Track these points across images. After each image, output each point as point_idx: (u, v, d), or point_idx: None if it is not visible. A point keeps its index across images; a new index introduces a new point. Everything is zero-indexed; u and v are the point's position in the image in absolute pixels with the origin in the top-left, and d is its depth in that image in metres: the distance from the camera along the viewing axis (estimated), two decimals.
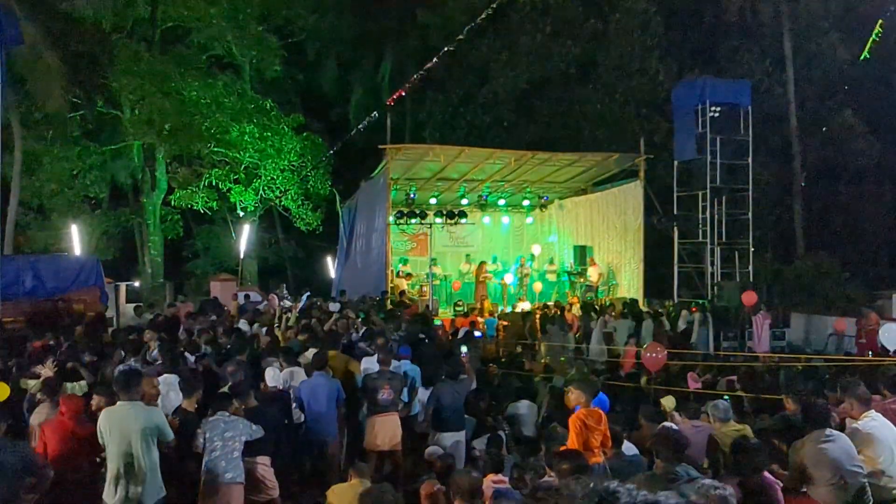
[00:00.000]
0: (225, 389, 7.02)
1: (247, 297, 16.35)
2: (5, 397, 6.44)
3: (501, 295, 20.72)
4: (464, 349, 11.04)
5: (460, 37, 16.42)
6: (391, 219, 18.45)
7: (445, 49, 17.13)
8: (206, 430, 6.07)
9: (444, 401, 7.90)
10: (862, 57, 16.47)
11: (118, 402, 5.78)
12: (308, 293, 17.87)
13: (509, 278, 20.68)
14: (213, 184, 23.71)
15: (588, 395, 6.13)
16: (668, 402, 8.08)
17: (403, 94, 18.81)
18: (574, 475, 4.33)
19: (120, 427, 5.60)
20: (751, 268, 19.14)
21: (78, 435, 6.08)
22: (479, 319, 17.04)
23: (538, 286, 20.89)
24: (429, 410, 8.08)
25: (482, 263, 20.37)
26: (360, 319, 12.42)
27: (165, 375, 7.49)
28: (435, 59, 17.30)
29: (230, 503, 6.00)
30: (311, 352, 8.80)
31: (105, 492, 5.64)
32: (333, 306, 13.86)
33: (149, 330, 10.28)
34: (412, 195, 20.27)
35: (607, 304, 18.77)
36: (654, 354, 11.14)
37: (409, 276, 20.27)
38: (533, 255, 22.47)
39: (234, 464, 6.06)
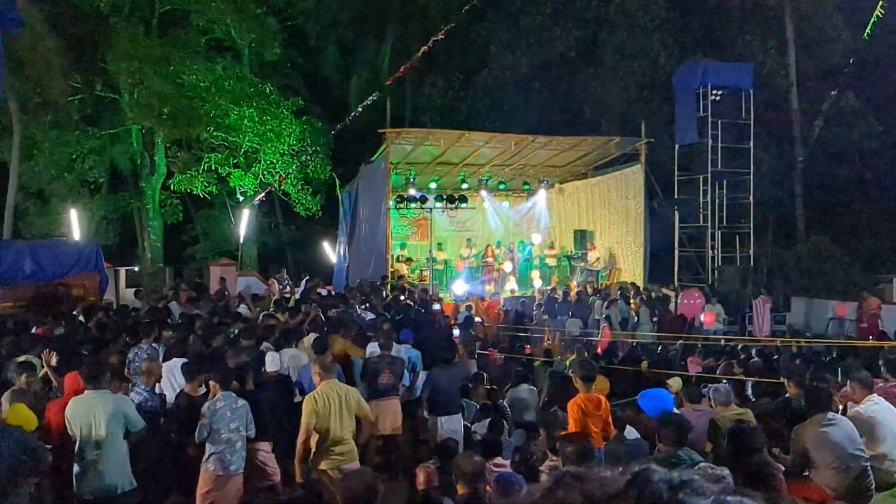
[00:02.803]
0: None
1: (222, 280, 16.29)
2: (34, 427, 6.36)
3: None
4: (455, 332, 11.07)
5: (462, 11, 16.34)
6: (391, 203, 18.40)
7: (445, 28, 17.06)
8: (211, 421, 5.91)
9: (439, 385, 7.92)
10: (864, 35, 16.36)
11: (84, 391, 5.75)
12: (307, 278, 17.88)
13: (508, 267, 20.64)
14: (213, 168, 23.62)
15: (584, 380, 6.08)
16: (675, 383, 8.11)
17: (403, 74, 18.74)
18: (579, 459, 4.33)
19: (85, 416, 5.57)
20: (751, 252, 19.16)
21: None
22: (483, 304, 17.06)
23: (536, 273, 20.84)
24: (424, 395, 8.10)
25: (488, 247, 20.35)
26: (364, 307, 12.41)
27: (172, 360, 7.49)
28: (433, 39, 17.22)
29: (231, 494, 5.98)
30: (311, 336, 8.81)
31: (73, 480, 5.63)
32: (324, 291, 13.90)
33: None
34: (412, 180, 20.20)
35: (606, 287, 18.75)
36: (690, 301, 11.11)
37: (409, 260, 20.24)
38: (524, 242, 22.37)
39: (237, 455, 6.04)
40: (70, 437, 5.77)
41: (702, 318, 14.38)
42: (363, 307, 12.29)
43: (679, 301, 11.65)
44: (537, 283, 20.32)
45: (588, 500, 0.77)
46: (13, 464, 4.64)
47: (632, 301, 16.44)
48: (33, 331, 9.90)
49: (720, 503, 0.74)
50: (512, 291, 19.48)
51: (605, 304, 16.03)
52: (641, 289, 17.95)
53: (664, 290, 17.56)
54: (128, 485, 5.69)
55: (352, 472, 4.52)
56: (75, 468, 5.58)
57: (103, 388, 5.77)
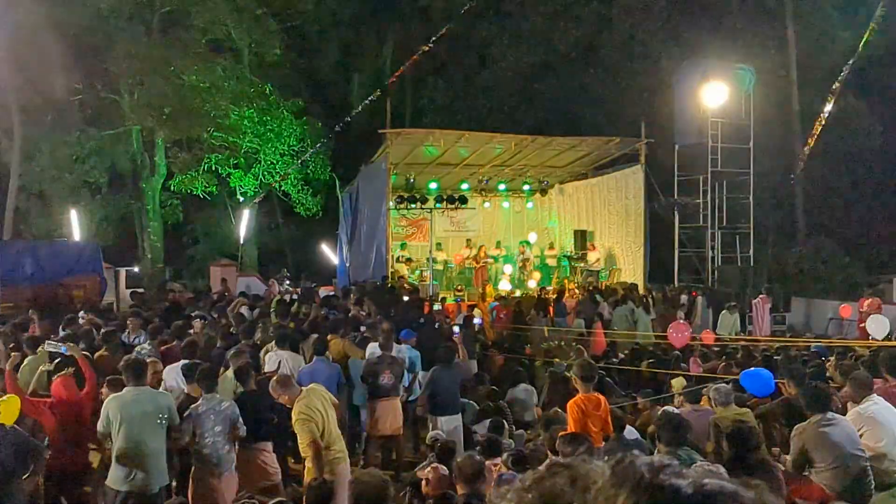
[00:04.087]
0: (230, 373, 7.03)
1: (224, 281, 16.35)
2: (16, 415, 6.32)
3: (498, 281, 20.68)
4: (455, 329, 11.07)
5: (462, 12, 16.39)
6: (391, 204, 18.40)
7: (447, 27, 17.09)
8: (194, 425, 5.89)
9: (439, 385, 7.93)
10: (863, 42, 16.42)
11: (125, 388, 5.80)
12: (304, 279, 17.90)
13: (509, 269, 20.62)
14: (213, 168, 23.64)
15: (584, 380, 6.05)
16: (678, 383, 8.11)
17: (404, 74, 18.76)
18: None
19: (129, 412, 5.63)
20: (751, 252, 19.14)
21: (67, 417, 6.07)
22: (481, 306, 17.03)
23: (537, 275, 20.81)
24: (424, 395, 8.10)
25: (481, 248, 20.31)
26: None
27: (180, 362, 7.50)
28: (435, 39, 17.25)
29: (222, 495, 5.96)
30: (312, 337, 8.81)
31: (110, 477, 5.67)
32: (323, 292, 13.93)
33: (132, 319, 10.21)
34: (412, 180, 20.20)
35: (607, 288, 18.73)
36: (677, 333, 11.19)
37: (409, 261, 20.24)
38: (529, 242, 22.38)
39: (225, 458, 5.99)
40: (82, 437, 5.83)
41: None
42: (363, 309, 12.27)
43: (668, 332, 11.75)
44: (531, 283, 20.28)
45: (576, 485, 0.82)
46: (8, 463, 4.65)
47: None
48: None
49: (698, 484, 0.79)
50: (511, 292, 19.49)
51: (602, 302, 16.06)
52: (643, 290, 17.97)
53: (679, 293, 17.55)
54: (165, 479, 5.83)
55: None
56: (115, 465, 5.64)
57: (144, 385, 5.88)
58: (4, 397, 6.13)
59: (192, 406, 6.04)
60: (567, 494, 0.82)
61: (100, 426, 5.72)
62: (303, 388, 6.19)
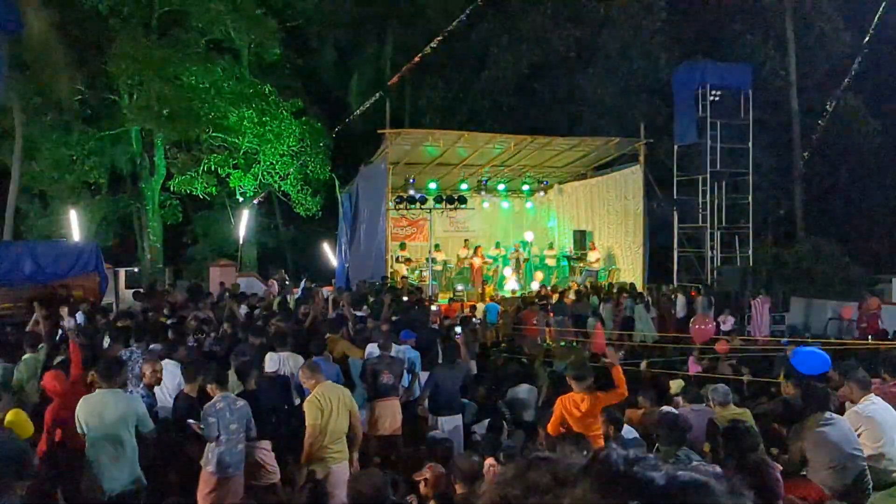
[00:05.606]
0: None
1: (222, 283, 16.30)
2: (28, 434, 6.26)
3: (500, 280, 20.68)
4: (458, 329, 11.09)
5: (461, 17, 16.39)
6: (391, 204, 18.41)
7: (447, 30, 17.09)
8: (216, 421, 5.86)
9: (441, 385, 7.92)
10: (868, 35, 16.41)
11: (96, 390, 5.76)
12: (305, 278, 17.90)
13: (508, 271, 20.62)
14: (212, 169, 23.62)
15: (575, 380, 5.98)
16: (676, 384, 8.11)
17: (403, 76, 18.74)
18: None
19: (98, 415, 5.59)
20: (750, 252, 19.15)
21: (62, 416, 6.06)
22: (479, 305, 17.03)
23: (539, 275, 20.78)
24: (425, 394, 8.10)
25: (477, 248, 20.31)
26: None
27: (166, 360, 7.49)
28: (435, 42, 17.25)
29: (231, 494, 5.97)
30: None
31: (83, 480, 5.64)
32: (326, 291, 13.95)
33: (123, 320, 10.21)
34: (411, 180, 20.20)
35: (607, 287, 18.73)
36: (701, 326, 11.24)
37: (408, 261, 20.23)
38: (526, 242, 22.37)
39: (237, 457, 5.99)
40: (69, 439, 5.79)
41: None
42: (363, 308, 12.27)
43: (692, 325, 11.80)
44: (535, 284, 20.27)
45: (555, 478, 0.84)
46: (2, 470, 4.62)
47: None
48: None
49: (671, 476, 0.81)
50: (513, 292, 19.50)
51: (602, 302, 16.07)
52: (644, 289, 17.97)
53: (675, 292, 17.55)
54: (137, 482, 5.75)
55: (360, 473, 4.54)
56: (87, 465, 5.60)
57: (115, 388, 5.82)
58: (9, 412, 6.13)
59: (209, 403, 6.00)
60: (547, 487, 0.84)
61: (78, 429, 5.67)
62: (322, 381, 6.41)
